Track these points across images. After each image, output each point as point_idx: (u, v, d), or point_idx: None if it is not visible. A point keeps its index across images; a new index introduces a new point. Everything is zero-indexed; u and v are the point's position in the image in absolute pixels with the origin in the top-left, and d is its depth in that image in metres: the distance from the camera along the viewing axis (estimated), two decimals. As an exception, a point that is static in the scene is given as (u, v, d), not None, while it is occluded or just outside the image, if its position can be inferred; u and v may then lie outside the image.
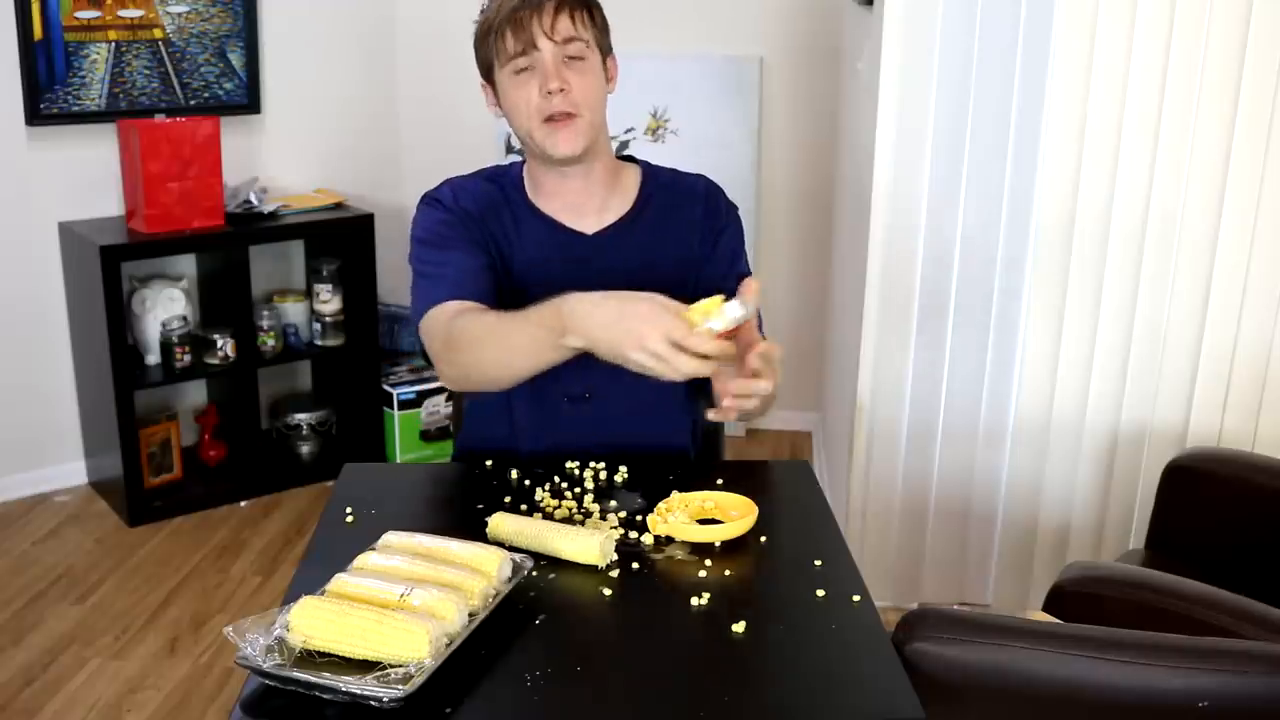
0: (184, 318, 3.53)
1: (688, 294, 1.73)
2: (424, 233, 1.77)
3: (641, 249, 1.78)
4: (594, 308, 1.46)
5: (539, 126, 1.69)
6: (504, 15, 1.68)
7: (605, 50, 1.76)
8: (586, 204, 1.78)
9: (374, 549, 1.36)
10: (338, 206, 3.76)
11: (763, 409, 1.55)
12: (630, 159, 1.87)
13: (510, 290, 1.75)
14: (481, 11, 1.75)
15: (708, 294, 1.47)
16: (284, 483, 3.71)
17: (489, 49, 1.72)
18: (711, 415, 1.51)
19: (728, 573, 1.41)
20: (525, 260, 1.77)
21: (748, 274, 1.84)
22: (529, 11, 1.67)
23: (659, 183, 1.84)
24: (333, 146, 3.95)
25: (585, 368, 1.55)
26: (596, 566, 1.40)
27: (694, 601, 1.34)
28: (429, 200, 1.81)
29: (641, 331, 1.40)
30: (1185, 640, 1.53)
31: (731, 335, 1.43)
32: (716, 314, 1.41)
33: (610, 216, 1.80)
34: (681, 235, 1.81)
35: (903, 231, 2.73)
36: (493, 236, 1.77)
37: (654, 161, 1.88)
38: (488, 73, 1.75)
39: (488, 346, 1.60)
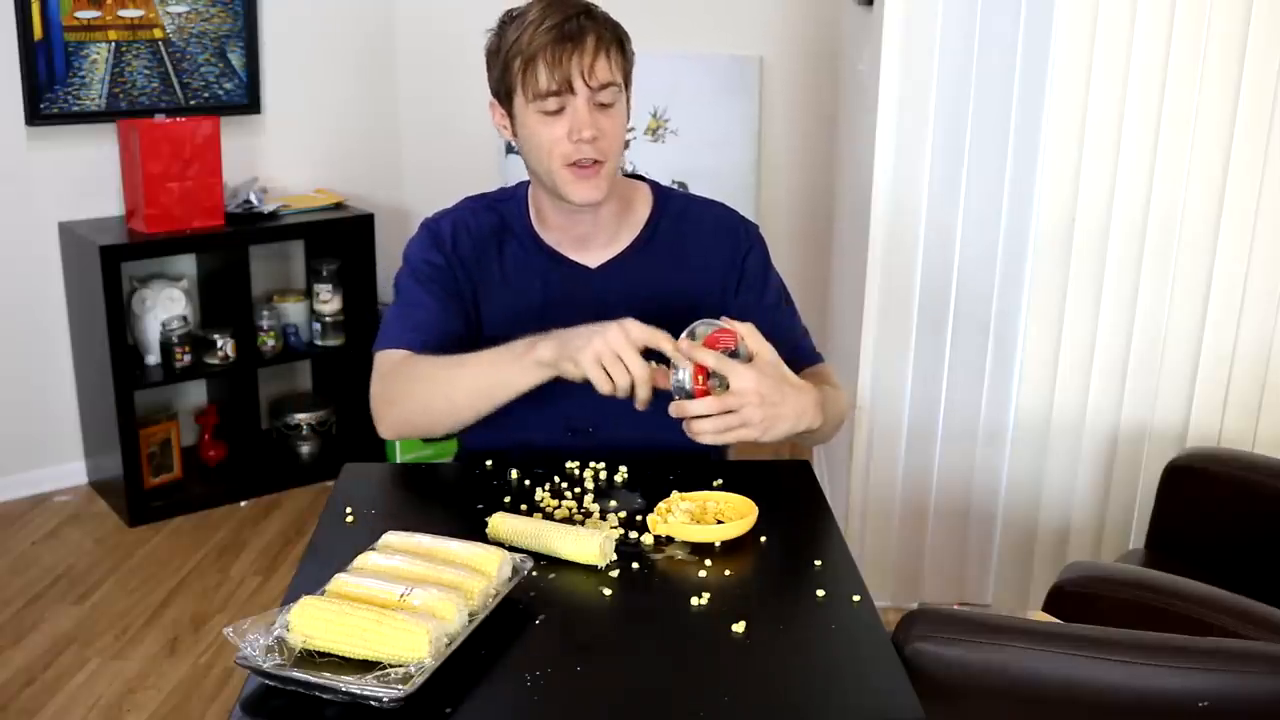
0: (184, 318, 3.53)
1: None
2: (413, 260, 1.77)
3: (647, 282, 1.74)
4: (568, 329, 1.53)
5: (561, 170, 1.62)
6: (539, 46, 1.56)
7: (628, 86, 1.68)
8: (592, 238, 1.75)
9: (374, 549, 1.36)
10: (338, 207, 3.76)
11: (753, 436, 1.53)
12: (639, 178, 1.82)
13: (512, 329, 1.73)
14: (501, 27, 1.64)
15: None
16: (284, 483, 3.71)
17: (512, 76, 1.60)
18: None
19: (728, 573, 1.41)
20: (525, 298, 1.74)
21: (783, 288, 1.86)
22: (569, 49, 1.56)
23: (670, 211, 1.79)
24: (333, 147, 3.95)
25: (589, 401, 1.53)
26: (596, 566, 1.40)
27: (694, 601, 1.34)
28: (429, 227, 1.78)
29: (598, 334, 1.48)
30: (1185, 640, 1.53)
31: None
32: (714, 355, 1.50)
33: (616, 247, 1.75)
34: (693, 270, 1.76)
35: (903, 231, 2.73)
36: (474, 285, 1.75)
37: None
38: (504, 96, 1.65)
39: (438, 381, 1.63)
